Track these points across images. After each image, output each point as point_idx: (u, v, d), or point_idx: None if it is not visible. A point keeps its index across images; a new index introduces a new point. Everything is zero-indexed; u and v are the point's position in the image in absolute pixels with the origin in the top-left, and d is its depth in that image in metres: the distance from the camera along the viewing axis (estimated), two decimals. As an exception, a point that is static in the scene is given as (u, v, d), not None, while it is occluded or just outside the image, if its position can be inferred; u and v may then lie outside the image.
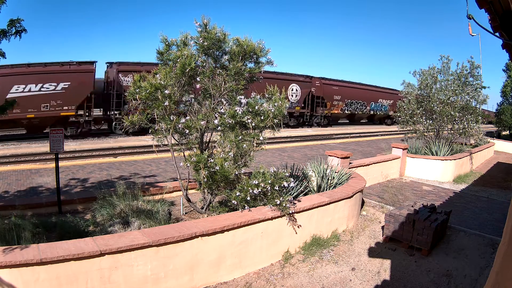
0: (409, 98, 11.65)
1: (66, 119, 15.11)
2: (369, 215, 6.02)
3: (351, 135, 20.84)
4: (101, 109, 17.41)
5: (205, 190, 4.71)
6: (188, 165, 4.30)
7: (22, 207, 4.58)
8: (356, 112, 28.39)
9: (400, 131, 12.71)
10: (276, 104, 4.34)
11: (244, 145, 4.26)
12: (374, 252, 4.71)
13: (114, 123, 16.73)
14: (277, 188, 4.16)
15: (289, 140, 16.53)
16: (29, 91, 13.86)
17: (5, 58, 3.61)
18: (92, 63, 15.35)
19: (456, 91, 10.75)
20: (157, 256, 3.27)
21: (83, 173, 8.11)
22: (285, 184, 4.18)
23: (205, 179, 4.17)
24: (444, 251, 4.72)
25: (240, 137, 4.28)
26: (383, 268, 4.29)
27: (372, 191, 7.70)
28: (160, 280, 3.32)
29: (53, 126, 14.55)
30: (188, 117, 4.45)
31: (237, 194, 4.09)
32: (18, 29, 3.58)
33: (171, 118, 4.34)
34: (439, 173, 9.58)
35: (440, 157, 9.69)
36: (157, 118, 4.47)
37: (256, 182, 4.10)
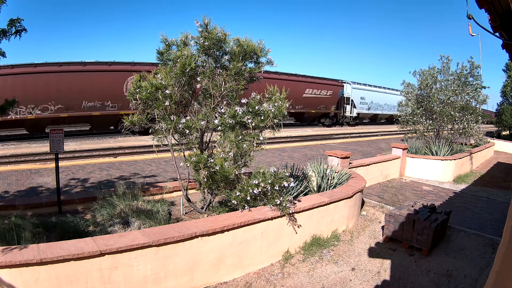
0: (409, 98, 11.67)
1: None
2: (369, 215, 6.01)
3: (351, 135, 20.87)
4: None
5: (205, 190, 4.71)
6: (188, 165, 4.30)
7: (22, 207, 4.57)
8: None
9: (400, 131, 12.73)
10: (276, 104, 4.34)
11: (244, 145, 4.26)
12: (374, 252, 4.71)
13: None
14: (277, 188, 4.16)
15: (289, 140, 16.54)
16: None
17: (5, 57, 3.62)
18: None
19: (456, 91, 10.77)
20: (157, 256, 3.27)
21: (83, 173, 8.11)
22: (285, 184, 4.18)
23: (205, 179, 4.17)
24: (444, 251, 4.72)
25: (240, 137, 4.27)
26: (383, 268, 4.29)
27: (372, 191, 7.70)
28: (160, 280, 3.32)
29: None
30: (188, 117, 4.44)
31: (237, 194, 4.09)
32: (18, 28, 3.59)
33: (172, 118, 4.34)
34: (439, 173, 9.58)
35: (440, 157, 9.70)
36: (157, 118, 4.47)
37: (256, 182, 4.10)
